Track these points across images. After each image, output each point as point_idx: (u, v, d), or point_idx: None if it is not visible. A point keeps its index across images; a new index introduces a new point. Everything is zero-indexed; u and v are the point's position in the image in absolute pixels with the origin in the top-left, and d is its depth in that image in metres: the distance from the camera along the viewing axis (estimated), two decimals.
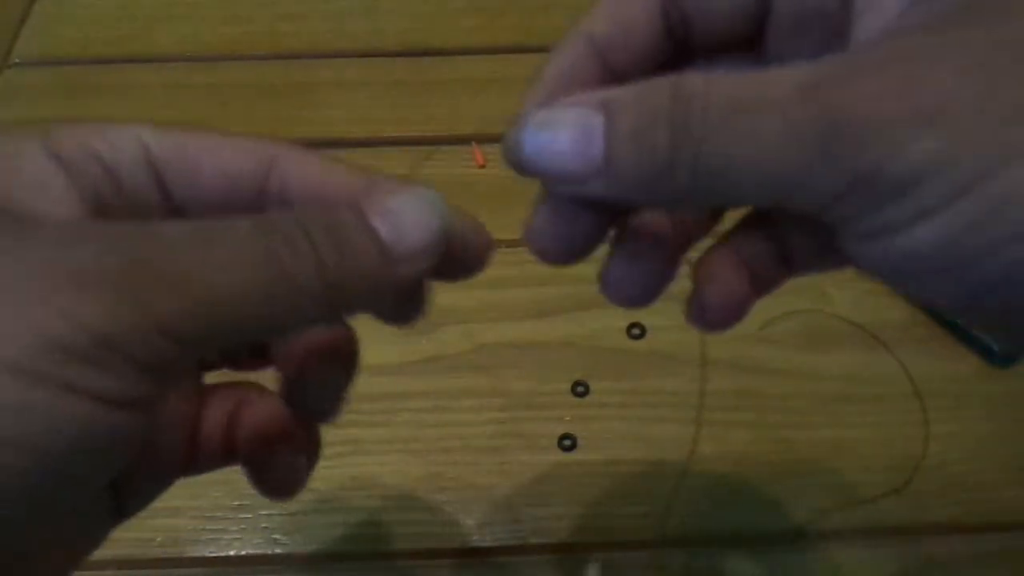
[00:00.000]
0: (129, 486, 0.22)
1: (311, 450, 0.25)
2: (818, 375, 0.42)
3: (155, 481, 0.23)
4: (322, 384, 0.24)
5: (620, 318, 0.44)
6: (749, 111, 0.17)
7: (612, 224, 0.22)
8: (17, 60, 0.57)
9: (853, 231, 0.18)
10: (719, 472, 0.39)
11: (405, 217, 0.19)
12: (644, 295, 0.23)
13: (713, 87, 0.18)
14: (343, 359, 0.24)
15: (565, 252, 0.22)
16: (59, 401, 0.15)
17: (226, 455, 0.24)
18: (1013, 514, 0.38)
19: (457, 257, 0.22)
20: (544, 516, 0.38)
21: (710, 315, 0.22)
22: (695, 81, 0.18)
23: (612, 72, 0.22)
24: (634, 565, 0.37)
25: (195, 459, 0.23)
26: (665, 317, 0.44)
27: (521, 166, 0.20)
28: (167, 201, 0.21)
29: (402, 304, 0.24)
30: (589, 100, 0.19)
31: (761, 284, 0.23)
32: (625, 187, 0.19)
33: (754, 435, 0.40)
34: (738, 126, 0.17)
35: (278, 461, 0.24)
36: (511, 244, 0.47)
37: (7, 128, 0.21)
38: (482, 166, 0.50)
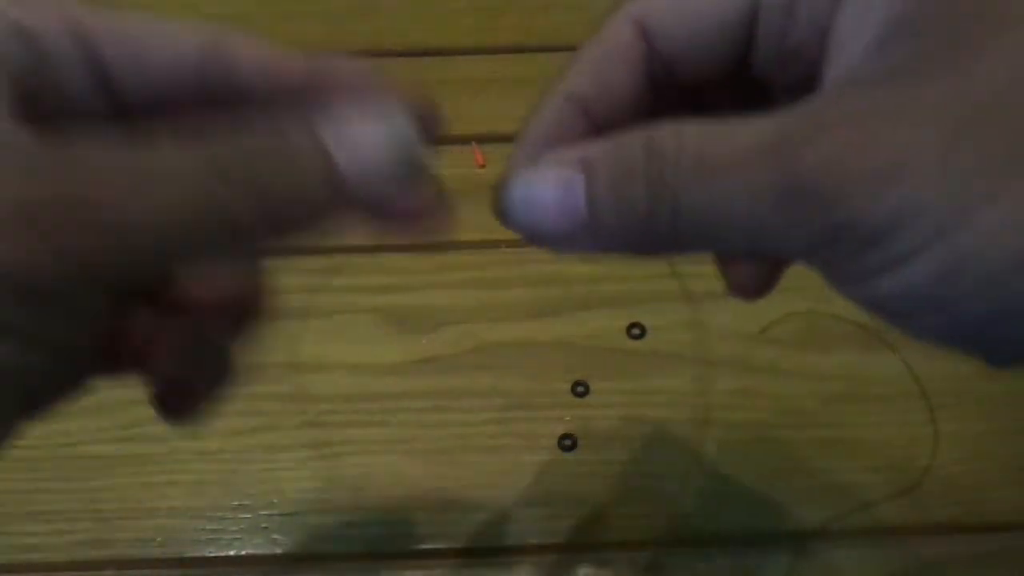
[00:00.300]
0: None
1: (219, 376, 0.23)
2: (820, 375, 0.42)
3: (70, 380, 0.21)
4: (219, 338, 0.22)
5: (620, 318, 0.44)
6: (715, 171, 0.18)
7: None
8: None
9: (837, 275, 0.19)
10: (719, 472, 0.39)
11: (364, 140, 0.19)
12: None
13: (684, 140, 0.18)
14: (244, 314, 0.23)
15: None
16: None
17: (141, 367, 0.22)
18: (1013, 514, 0.38)
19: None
20: (544, 516, 0.38)
21: (742, 290, 0.23)
22: (666, 134, 0.18)
23: (595, 124, 0.22)
24: (634, 565, 0.37)
25: (113, 367, 0.22)
26: (665, 317, 0.44)
27: (510, 226, 0.20)
28: (105, 86, 0.20)
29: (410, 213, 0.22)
30: (569, 159, 0.19)
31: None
32: (610, 241, 0.19)
33: (755, 435, 0.40)
34: (707, 184, 0.18)
35: (182, 385, 0.22)
36: (511, 244, 0.47)
37: None
38: (482, 166, 0.50)
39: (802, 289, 0.44)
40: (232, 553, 0.37)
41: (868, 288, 0.18)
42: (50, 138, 0.16)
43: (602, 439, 0.40)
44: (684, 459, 0.40)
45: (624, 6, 0.22)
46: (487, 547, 0.38)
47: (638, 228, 0.19)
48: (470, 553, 0.37)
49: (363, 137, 0.19)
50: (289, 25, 0.59)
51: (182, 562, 0.37)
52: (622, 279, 0.46)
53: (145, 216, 0.16)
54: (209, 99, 0.21)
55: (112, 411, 0.40)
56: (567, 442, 0.40)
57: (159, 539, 0.38)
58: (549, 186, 0.19)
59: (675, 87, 0.23)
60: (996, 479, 0.39)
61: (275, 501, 0.39)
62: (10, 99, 0.17)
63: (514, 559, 0.37)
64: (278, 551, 0.38)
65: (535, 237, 0.20)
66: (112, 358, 0.21)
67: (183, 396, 0.22)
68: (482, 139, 0.51)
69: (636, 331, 0.44)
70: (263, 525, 0.38)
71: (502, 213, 0.21)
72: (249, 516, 0.38)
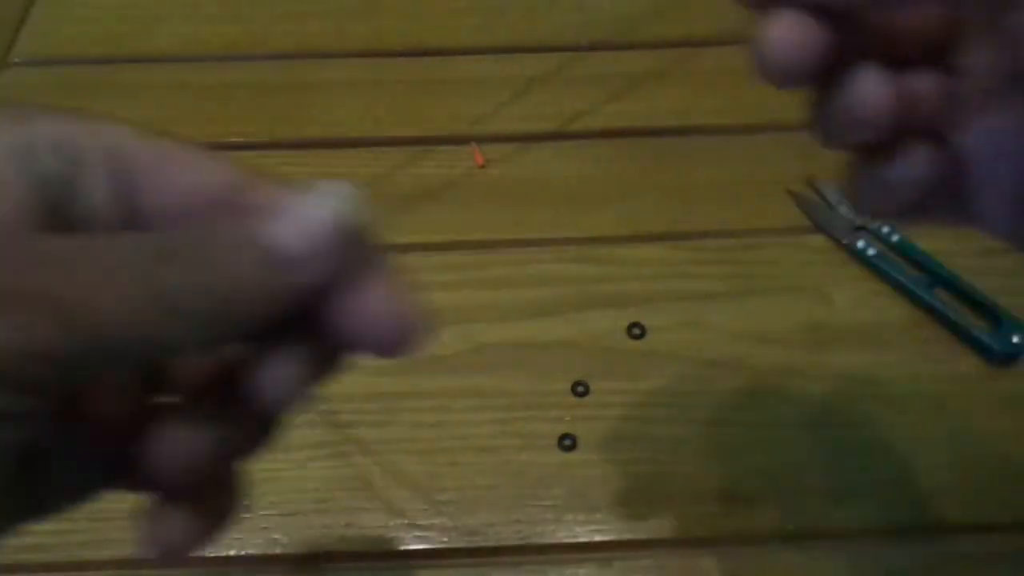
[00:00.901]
0: (41, 488, 0.21)
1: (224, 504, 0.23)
2: (818, 375, 0.42)
3: (74, 486, 0.22)
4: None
5: (620, 318, 0.44)
6: None
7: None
8: (17, 60, 0.57)
9: None
10: (719, 472, 0.39)
11: (298, 214, 0.18)
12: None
13: None
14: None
15: (798, 66, 0.20)
16: None
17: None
18: (1013, 514, 0.38)
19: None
20: (544, 516, 0.38)
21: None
22: None
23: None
24: (634, 565, 0.37)
25: (133, 479, 0.22)
26: (665, 317, 0.44)
27: None
28: (119, 205, 0.20)
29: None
30: None
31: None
32: None
33: (755, 435, 0.40)
34: None
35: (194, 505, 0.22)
36: (511, 244, 0.47)
37: None
38: (482, 166, 0.50)
39: (801, 290, 0.44)
40: (232, 553, 0.37)
41: None
42: (12, 238, 0.18)
43: (602, 439, 0.40)
44: (684, 460, 0.40)
45: None
46: (487, 547, 0.38)
47: None
48: (470, 553, 0.37)
49: (295, 210, 0.18)
50: (289, 25, 0.59)
51: (181, 562, 0.37)
52: (622, 279, 0.46)
53: (104, 306, 0.17)
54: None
55: None
56: (567, 442, 0.40)
57: None
58: None
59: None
60: (996, 479, 0.39)
61: (275, 501, 0.39)
62: (33, 200, 0.19)
63: (514, 559, 0.37)
64: (278, 551, 0.38)
65: None
66: (123, 468, 0.22)
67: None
68: (482, 139, 0.51)
69: (636, 331, 0.44)
70: (263, 525, 0.38)
71: None
72: (249, 516, 0.38)
